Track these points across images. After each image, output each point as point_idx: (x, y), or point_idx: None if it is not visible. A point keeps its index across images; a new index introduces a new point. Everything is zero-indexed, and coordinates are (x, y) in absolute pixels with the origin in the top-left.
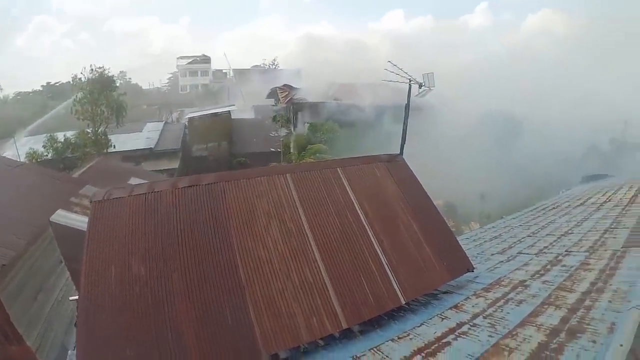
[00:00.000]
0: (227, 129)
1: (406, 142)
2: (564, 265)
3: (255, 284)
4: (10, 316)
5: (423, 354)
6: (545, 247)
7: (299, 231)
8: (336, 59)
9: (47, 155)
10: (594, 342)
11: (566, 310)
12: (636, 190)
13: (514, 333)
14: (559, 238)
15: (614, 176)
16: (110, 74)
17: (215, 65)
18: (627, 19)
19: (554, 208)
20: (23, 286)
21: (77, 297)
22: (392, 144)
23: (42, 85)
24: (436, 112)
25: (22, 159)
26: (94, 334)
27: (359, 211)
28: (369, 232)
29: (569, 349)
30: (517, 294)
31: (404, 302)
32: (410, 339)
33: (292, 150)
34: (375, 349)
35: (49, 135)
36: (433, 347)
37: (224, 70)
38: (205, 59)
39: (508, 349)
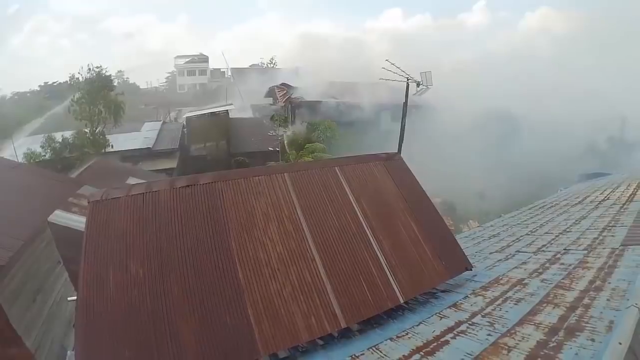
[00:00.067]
0: (225, 128)
1: (404, 141)
2: (562, 264)
3: (254, 284)
4: (9, 318)
5: (422, 353)
6: (544, 246)
7: (297, 231)
8: (334, 58)
9: (45, 156)
10: (593, 340)
11: (565, 309)
12: (634, 188)
13: (512, 332)
14: (557, 236)
15: (611, 174)
16: (107, 74)
17: (213, 64)
18: (625, 17)
19: (552, 206)
20: (21, 287)
21: (75, 297)
22: (390, 142)
23: (39, 85)
24: (434, 111)
25: (20, 159)
26: (92, 335)
27: (357, 210)
28: (367, 231)
29: (568, 348)
30: (515, 292)
31: (402, 301)
32: (409, 338)
33: (289, 150)
34: (374, 348)
35: (46, 135)
36: (432, 346)
37: (221, 70)
38: (203, 58)
39: (507, 347)
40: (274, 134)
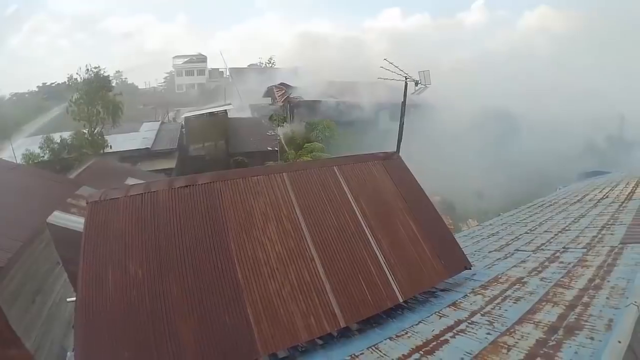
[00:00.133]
0: (224, 128)
1: (403, 140)
2: (561, 262)
3: (253, 283)
4: (8, 319)
5: (421, 352)
6: (543, 244)
7: (296, 230)
8: (333, 57)
9: (43, 157)
10: (592, 338)
11: (564, 307)
12: (633, 186)
13: (512, 330)
14: (556, 235)
15: (610, 172)
16: (106, 74)
17: (211, 64)
18: (624, 16)
19: (551, 205)
20: (20, 288)
21: (74, 298)
22: (388, 141)
23: (37, 86)
24: (433, 110)
25: (19, 160)
26: (91, 336)
27: (356, 209)
28: (366, 230)
29: (567, 346)
30: (514, 291)
31: (402, 301)
32: (409, 337)
33: (288, 149)
34: (373, 347)
35: (45, 136)
36: (431, 345)
37: (220, 69)
38: (202, 58)
39: (506, 346)
40: (272, 133)
